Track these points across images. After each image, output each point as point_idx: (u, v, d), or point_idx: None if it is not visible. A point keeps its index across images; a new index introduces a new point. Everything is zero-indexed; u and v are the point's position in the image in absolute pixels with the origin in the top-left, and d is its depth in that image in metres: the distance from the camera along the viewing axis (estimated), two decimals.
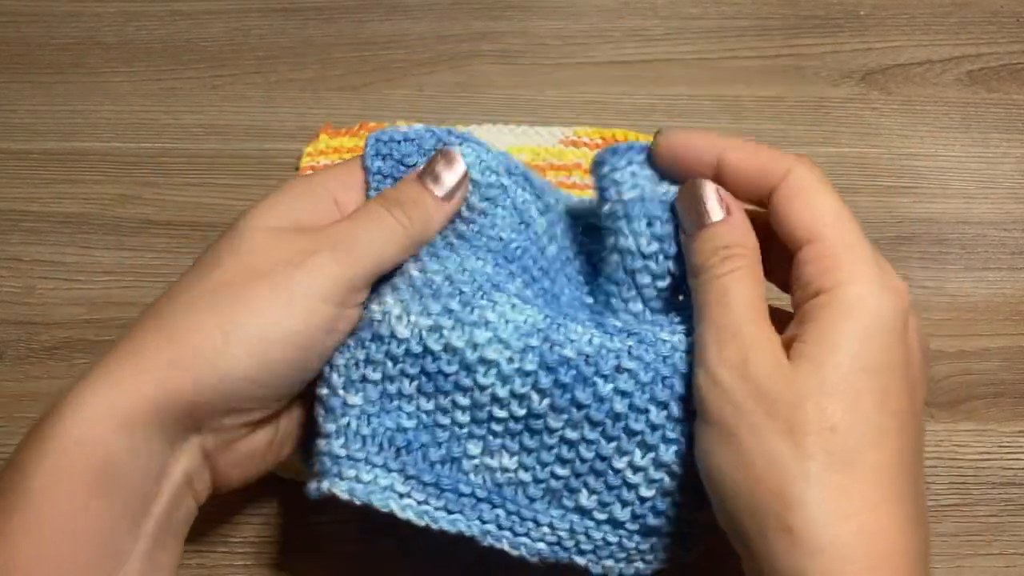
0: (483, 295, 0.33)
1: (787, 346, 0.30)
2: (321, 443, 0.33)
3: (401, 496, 0.33)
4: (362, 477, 0.33)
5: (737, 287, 0.31)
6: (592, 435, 0.32)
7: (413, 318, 0.32)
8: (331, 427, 0.33)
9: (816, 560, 0.27)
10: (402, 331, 0.32)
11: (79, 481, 0.29)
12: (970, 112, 0.53)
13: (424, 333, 0.32)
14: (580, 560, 0.33)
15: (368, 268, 0.33)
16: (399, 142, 0.36)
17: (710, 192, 0.32)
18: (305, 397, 0.35)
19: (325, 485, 0.33)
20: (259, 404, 0.32)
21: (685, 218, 0.33)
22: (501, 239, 0.35)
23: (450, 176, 0.35)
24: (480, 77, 0.55)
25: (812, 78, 0.54)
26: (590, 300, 0.36)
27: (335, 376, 0.33)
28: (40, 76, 0.55)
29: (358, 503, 0.32)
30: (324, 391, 0.33)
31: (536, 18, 0.57)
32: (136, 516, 0.30)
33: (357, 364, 0.33)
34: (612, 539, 0.33)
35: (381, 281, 0.34)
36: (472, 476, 0.33)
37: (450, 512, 0.33)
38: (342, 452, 0.33)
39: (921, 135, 0.52)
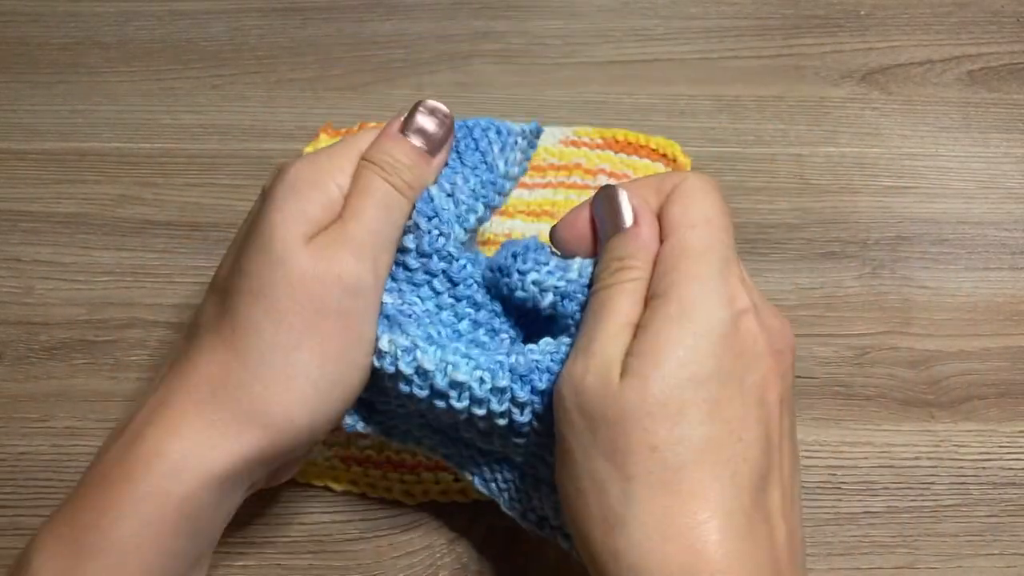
0: (458, 334, 0.33)
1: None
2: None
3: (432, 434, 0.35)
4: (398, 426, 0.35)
5: (616, 300, 0.30)
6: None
7: (388, 338, 0.32)
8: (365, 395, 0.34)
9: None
10: (384, 345, 0.32)
11: (168, 532, 0.29)
12: (970, 112, 0.53)
13: (399, 353, 0.32)
14: (565, 544, 0.34)
15: (390, 259, 0.33)
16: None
17: (623, 200, 0.31)
18: None
19: (357, 424, 0.35)
20: (320, 437, 0.32)
21: (601, 226, 0.32)
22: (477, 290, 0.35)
23: (437, 130, 0.34)
24: (480, 77, 0.55)
25: (812, 78, 0.54)
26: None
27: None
28: (40, 76, 0.55)
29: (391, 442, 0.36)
30: None
31: (536, 18, 0.57)
32: (206, 554, 0.31)
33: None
34: None
35: None
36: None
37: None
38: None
39: (921, 135, 0.52)
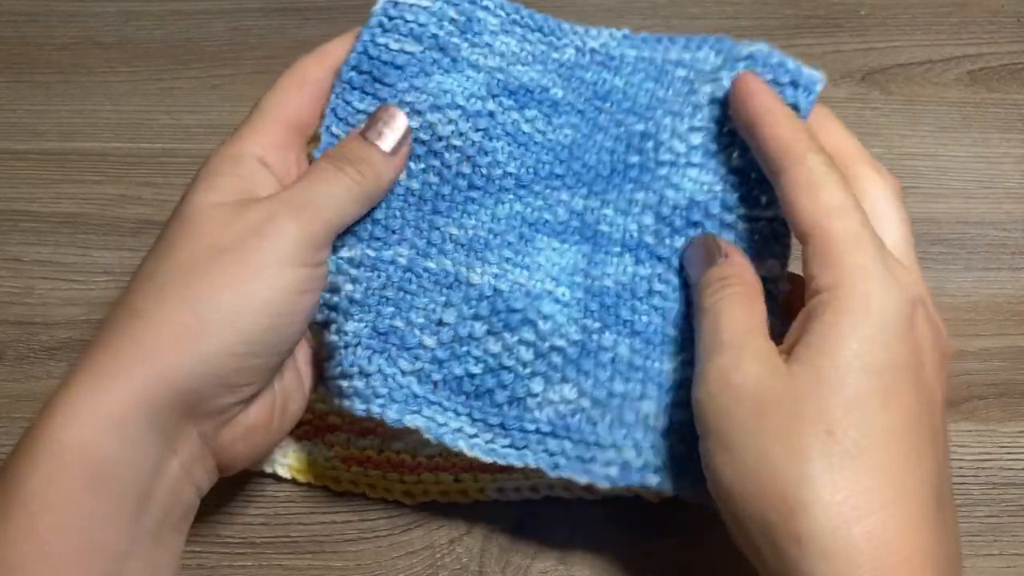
0: (525, 242, 0.36)
1: (791, 348, 0.30)
2: (400, 377, 0.35)
3: (470, 437, 0.34)
4: (436, 418, 0.35)
5: (728, 309, 0.32)
6: (639, 345, 0.34)
7: (480, 267, 0.35)
8: (407, 366, 0.35)
9: (828, 565, 0.26)
10: (475, 278, 0.35)
11: (74, 483, 0.29)
12: (970, 112, 0.53)
13: (492, 280, 0.35)
14: (653, 481, 0.33)
15: (328, 225, 0.33)
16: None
17: (712, 244, 0.34)
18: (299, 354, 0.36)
19: (403, 418, 0.34)
20: (245, 378, 0.32)
21: (692, 268, 0.35)
22: (510, 173, 0.36)
23: (392, 132, 0.36)
24: None
25: None
26: (636, 158, 0.37)
27: (415, 316, 0.35)
28: (40, 76, 0.55)
29: (430, 439, 0.34)
30: (400, 326, 0.35)
31: None
32: (133, 514, 0.30)
33: (435, 308, 0.35)
34: (678, 450, 0.33)
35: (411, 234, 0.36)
36: (536, 413, 0.34)
37: (517, 448, 0.34)
38: (420, 391, 0.35)
39: (921, 135, 0.52)
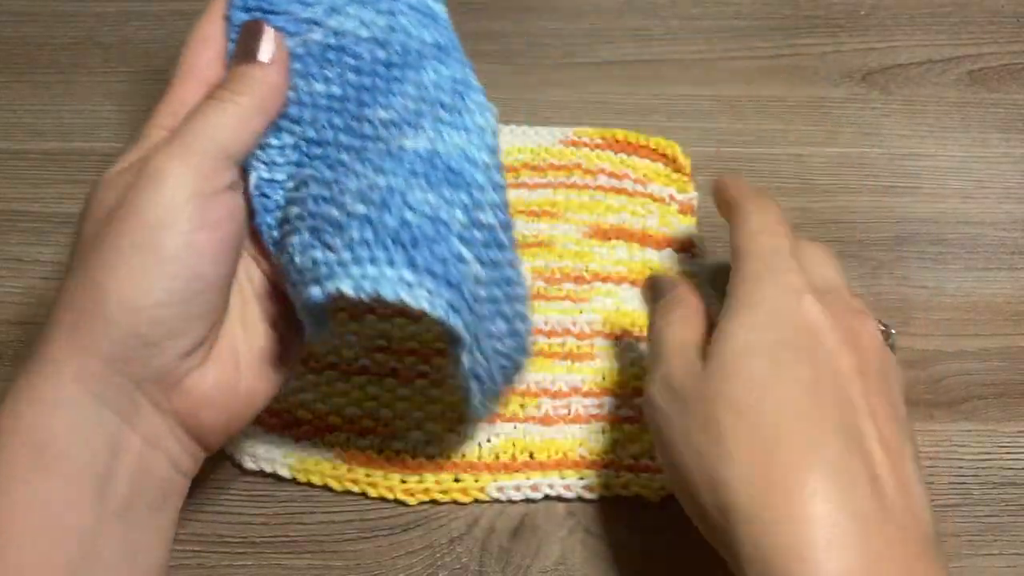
0: (462, 99, 0.37)
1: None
2: (323, 255, 0.32)
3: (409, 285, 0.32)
4: (368, 272, 0.32)
5: (668, 329, 0.36)
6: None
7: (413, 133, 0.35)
8: (333, 241, 0.32)
9: (751, 527, 0.29)
10: (408, 144, 0.34)
11: (17, 467, 0.29)
12: (970, 112, 0.53)
13: (427, 143, 0.34)
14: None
15: (211, 152, 0.32)
16: None
17: (665, 282, 0.40)
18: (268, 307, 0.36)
19: (331, 286, 0.32)
20: (165, 331, 0.31)
21: (648, 303, 0.40)
22: (426, 43, 0.37)
23: (263, 44, 0.35)
24: (480, 77, 0.54)
25: (812, 78, 0.54)
26: None
27: (349, 199, 0.33)
28: (40, 76, 0.55)
29: (364, 297, 0.31)
30: (336, 213, 0.33)
31: (536, 18, 0.57)
32: (95, 493, 0.30)
33: (367, 178, 0.34)
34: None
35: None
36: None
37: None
38: (347, 257, 0.32)
39: (921, 135, 0.52)
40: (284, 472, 0.41)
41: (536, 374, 0.43)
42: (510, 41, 0.56)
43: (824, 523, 0.29)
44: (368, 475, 0.41)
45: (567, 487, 0.41)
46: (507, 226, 0.35)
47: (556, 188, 0.48)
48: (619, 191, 0.48)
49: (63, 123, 0.53)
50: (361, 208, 0.33)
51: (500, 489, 0.41)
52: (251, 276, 0.36)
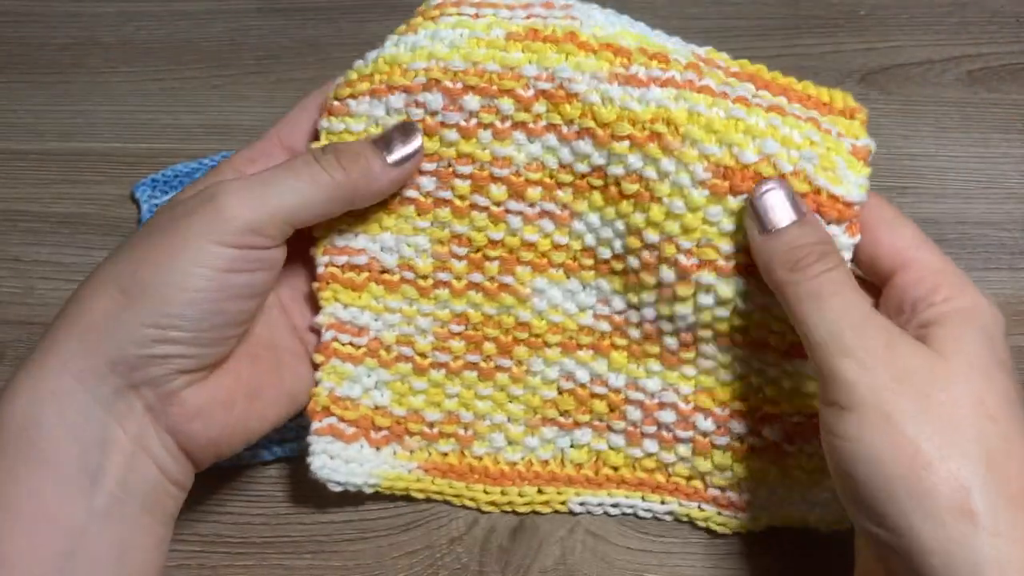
0: None
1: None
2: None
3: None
4: None
5: (836, 283, 0.32)
6: None
7: None
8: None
9: (1000, 541, 0.28)
10: None
11: (12, 459, 0.30)
12: (970, 112, 0.53)
13: None
14: None
15: (272, 212, 0.33)
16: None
17: (788, 195, 0.34)
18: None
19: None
20: (172, 350, 0.32)
21: (758, 222, 0.33)
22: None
23: (403, 147, 0.35)
24: None
25: (812, 78, 0.54)
26: None
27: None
28: (40, 76, 0.55)
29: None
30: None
31: None
32: (85, 488, 0.31)
33: None
34: None
35: None
36: None
37: None
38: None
39: (921, 135, 0.52)
40: (368, 489, 0.39)
41: (620, 374, 0.39)
42: None
43: None
44: (451, 486, 0.40)
45: (648, 510, 0.40)
46: None
47: (681, 88, 0.35)
48: (772, 108, 0.37)
49: (63, 123, 0.53)
50: None
51: (582, 504, 0.40)
52: (273, 322, 0.37)
